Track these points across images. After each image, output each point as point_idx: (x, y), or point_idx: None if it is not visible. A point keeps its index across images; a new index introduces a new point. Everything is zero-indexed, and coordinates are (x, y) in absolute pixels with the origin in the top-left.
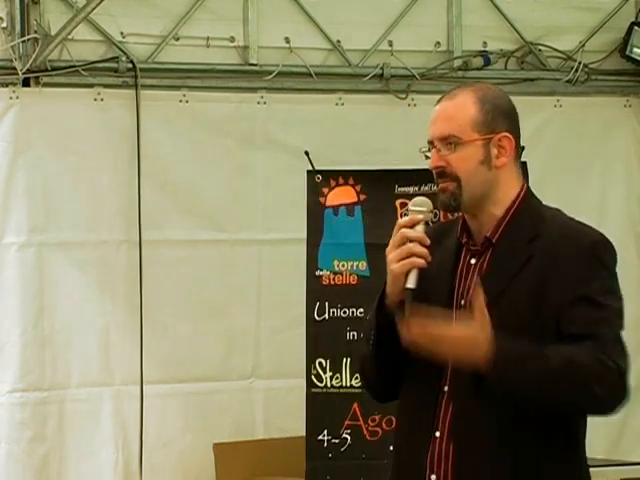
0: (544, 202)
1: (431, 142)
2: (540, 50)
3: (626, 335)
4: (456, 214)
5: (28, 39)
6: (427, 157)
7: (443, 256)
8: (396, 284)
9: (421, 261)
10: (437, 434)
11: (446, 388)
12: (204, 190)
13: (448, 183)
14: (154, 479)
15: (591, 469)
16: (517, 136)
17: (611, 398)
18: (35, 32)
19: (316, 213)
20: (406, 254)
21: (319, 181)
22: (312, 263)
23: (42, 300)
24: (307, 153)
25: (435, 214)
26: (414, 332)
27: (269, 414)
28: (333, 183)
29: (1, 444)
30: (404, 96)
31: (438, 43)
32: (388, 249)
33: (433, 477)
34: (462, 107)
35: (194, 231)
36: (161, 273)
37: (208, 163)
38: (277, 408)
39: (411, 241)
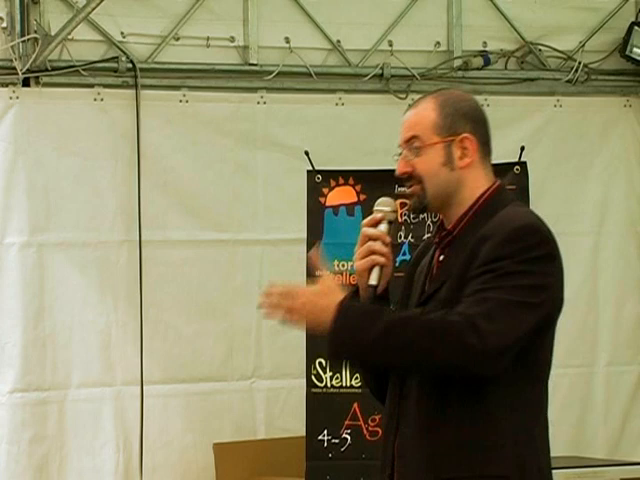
0: (543, 201)
1: (400, 148)
2: (540, 50)
3: (627, 335)
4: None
5: (28, 39)
6: (397, 162)
7: (425, 261)
8: (361, 281)
9: (381, 259)
10: (405, 431)
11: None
12: (205, 190)
13: (414, 187)
14: (155, 479)
15: (591, 469)
16: (482, 136)
17: (464, 356)
18: (35, 32)
19: (316, 213)
20: (367, 252)
21: (319, 181)
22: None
23: (43, 300)
24: (307, 153)
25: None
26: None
27: (270, 414)
28: (333, 183)
29: (1, 444)
30: (404, 96)
31: (438, 43)
32: (356, 249)
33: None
34: (423, 113)
35: (195, 231)
36: (162, 273)
37: (208, 163)
38: (278, 408)
39: (373, 240)
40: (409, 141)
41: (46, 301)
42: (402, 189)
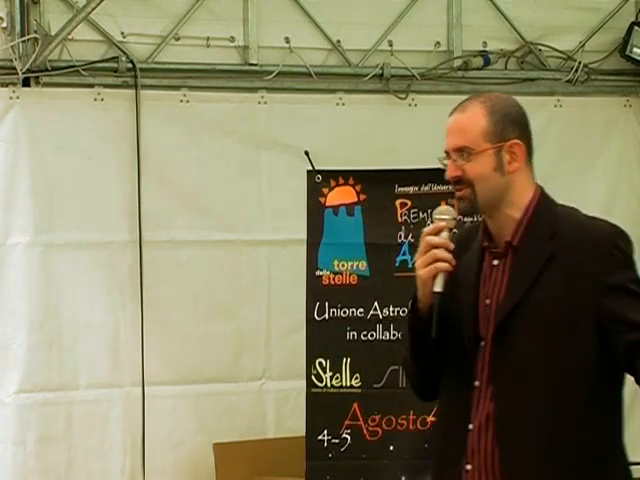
0: None
1: (446, 152)
2: (540, 50)
3: None
4: (477, 218)
5: (28, 39)
6: (444, 165)
7: (469, 260)
8: (425, 288)
9: (446, 265)
10: (470, 427)
11: (476, 383)
12: (210, 190)
13: (464, 190)
14: None
15: None
16: (528, 141)
17: None
18: (35, 32)
19: (316, 213)
20: (432, 260)
21: (319, 181)
22: (312, 263)
23: (48, 301)
24: (307, 153)
25: (459, 220)
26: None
27: (280, 416)
28: (333, 183)
29: (8, 445)
30: (404, 96)
31: (438, 43)
32: (416, 256)
33: (469, 467)
34: (473, 119)
35: (201, 231)
36: (169, 274)
37: (212, 163)
38: (288, 410)
39: (436, 247)
40: (459, 149)
41: (52, 302)
42: (402, 189)
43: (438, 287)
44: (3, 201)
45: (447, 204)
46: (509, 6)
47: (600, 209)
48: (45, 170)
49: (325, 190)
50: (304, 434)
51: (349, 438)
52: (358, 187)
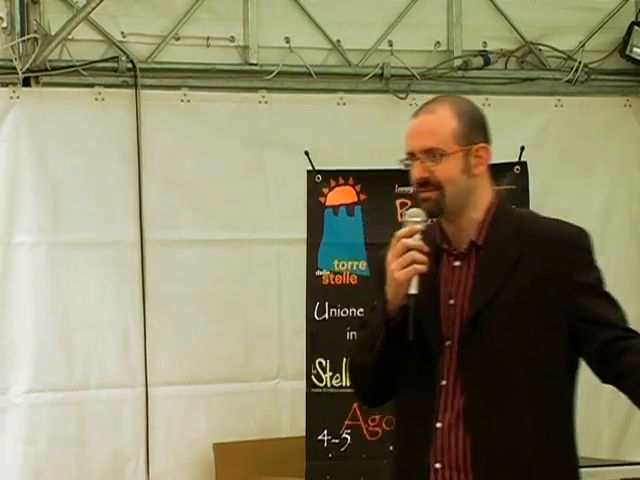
0: (547, 201)
1: (411, 154)
2: (540, 50)
3: None
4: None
5: (28, 39)
6: (406, 166)
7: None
8: (399, 291)
9: (422, 267)
10: (438, 425)
11: (443, 382)
12: (215, 190)
13: (431, 192)
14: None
15: (592, 469)
16: (490, 145)
17: None
18: (35, 32)
19: (316, 213)
20: (409, 262)
21: (319, 181)
22: (312, 263)
23: (55, 300)
24: (307, 153)
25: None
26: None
27: (295, 415)
28: (333, 183)
29: (19, 444)
30: (404, 96)
31: (438, 43)
32: (389, 259)
33: (438, 465)
34: (442, 121)
35: (208, 230)
36: (178, 273)
37: (215, 162)
38: (303, 409)
39: (411, 249)
40: (429, 150)
41: (59, 301)
42: (402, 189)
43: (413, 289)
44: (7, 201)
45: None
46: (509, 6)
47: (600, 209)
48: (47, 170)
49: (325, 190)
50: (300, 433)
51: (349, 438)
52: (358, 187)
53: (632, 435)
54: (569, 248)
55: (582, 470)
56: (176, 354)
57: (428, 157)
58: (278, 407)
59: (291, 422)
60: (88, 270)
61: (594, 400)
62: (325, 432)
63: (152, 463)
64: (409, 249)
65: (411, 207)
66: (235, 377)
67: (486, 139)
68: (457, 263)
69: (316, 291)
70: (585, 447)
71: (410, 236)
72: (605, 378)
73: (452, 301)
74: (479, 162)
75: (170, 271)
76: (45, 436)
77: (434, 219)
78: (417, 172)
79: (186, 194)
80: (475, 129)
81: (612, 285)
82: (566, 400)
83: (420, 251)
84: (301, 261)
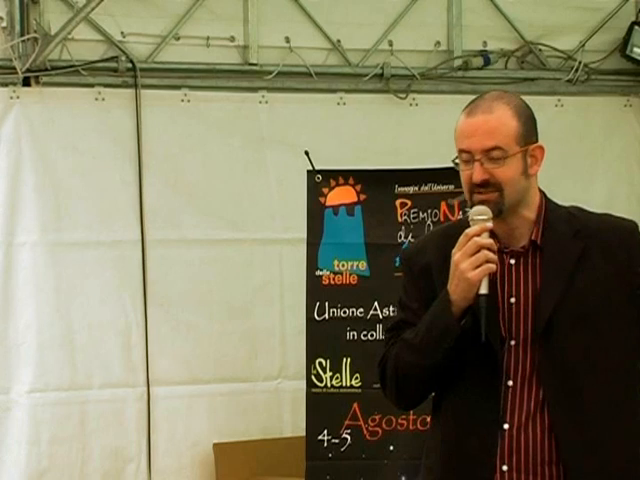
0: None
1: (468, 153)
2: (540, 50)
3: None
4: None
5: (28, 39)
6: (456, 165)
7: None
8: (471, 290)
9: (494, 266)
10: (505, 426)
11: (510, 383)
12: (217, 189)
13: (490, 194)
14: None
15: None
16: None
17: None
18: (35, 32)
19: (316, 213)
20: (482, 261)
21: (319, 181)
22: (312, 263)
23: (57, 300)
24: (307, 153)
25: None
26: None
27: (297, 415)
28: (333, 183)
29: (22, 444)
30: (404, 96)
31: (438, 43)
32: (458, 258)
33: (505, 467)
34: (503, 121)
35: (211, 230)
36: (180, 272)
37: (216, 162)
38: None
39: (485, 248)
40: (490, 150)
41: (61, 301)
42: (402, 189)
43: (484, 289)
44: (8, 201)
45: (447, 204)
46: (509, 6)
47: (601, 208)
48: (49, 170)
49: (325, 190)
50: (300, 433)
51: (349, 438)
52: (358, 187)
53: None
54: (628, 242)
55: None
56: (178, 354)
57: (489, 158)
58: (280, 407)
59: (293, 422)
60: (89, 270)
61: None
62: (325, 432)
63: (154, 463)
64: (482, 247)
65: (476, 205)
66: (237, 377)
67: (538, 137)
68: (512, 261)
69: (316, 291)
70: None
71: (479, 234)
72: None
73: (513, 300)
74: (534, 162)
75: (171, 271)
76: (47, 436)
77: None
78: (477, 174)
79: (187, 194)
80: (531, 128)
81: None
82: (636, 392)
83: (491, 250)
84: (303, 261)
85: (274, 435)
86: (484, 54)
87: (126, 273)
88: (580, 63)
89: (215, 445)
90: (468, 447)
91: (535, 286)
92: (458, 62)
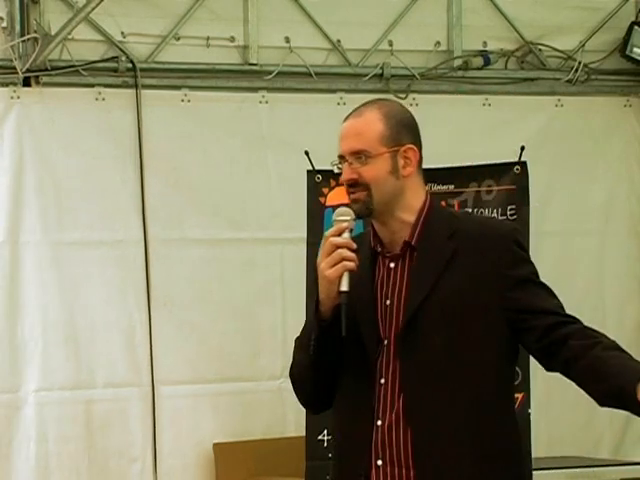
0: (548, 201)
1: (342, 157)
2: (540, 50)
3: (627, 334)
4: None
5: (28, 39)
6: (339, 168)
7: (361, 266)
8: (331, 289)
9: (352, 264)
10: (378, 423)
11: (382, 380)
12: (216, 189)
13: (359, 193)
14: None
15: (592, 469)
16: (420, 148)
17: None
18: (35, 32)
19: (316, 213)
20: (338, 259)
21: (319, 181)
22: (312, 263)
23: (62, 299)
24: (307, 153)
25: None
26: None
27: (300, 415)
28: (333, 183)
29: (30, 443)
30: (404, 96)
31: (438, 43)
32: (319, 259)
33: (379, 462)
34: (369, 124)
35: (212, 230)
36: (183, 272)
37: (217, 162)
38: None
39: (340, 247)
40: (356, 152)
41: (65, 300)
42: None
43: (344, 286)
44: (11, 200)
45: (447, 204)
46: (509, 6)
47: (600, 208)
48: (50, 169)
49: (325, 190)
50: (302, 433)
51: None
52: None
53: (632, 435)
54: (501, 244)
55: (583, 470)
56: (181, 353)
57: (356, 159)
58: (283, 406)
59: (296, 421)
60: (93, 269)
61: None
62: (325, 432)
63: (159, 461)
64: (337, 247)
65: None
66: (240, 376)
67: (415, 141)
68: (392, 265)
69: (316, 291)
70: (585, 447)
71: (339, 234)
72: (550, 367)
73: (388, 302)
74: (407, 163)
75: (173, 270)
76: (54, 434)
77: (365, 220)
78: (345, 174)
79: (188, 194)
80: (403, 131)
81: (612, 285)
82: (505, 392)
83: (348, 248)
84: (304, 260)
85: (277, 434)
86: (484, 54)
87: (129, 273)
88: (580, 63)
89: (215, 445)
90: (349, 443)
91: (407, 287)
92: (458, 62)
